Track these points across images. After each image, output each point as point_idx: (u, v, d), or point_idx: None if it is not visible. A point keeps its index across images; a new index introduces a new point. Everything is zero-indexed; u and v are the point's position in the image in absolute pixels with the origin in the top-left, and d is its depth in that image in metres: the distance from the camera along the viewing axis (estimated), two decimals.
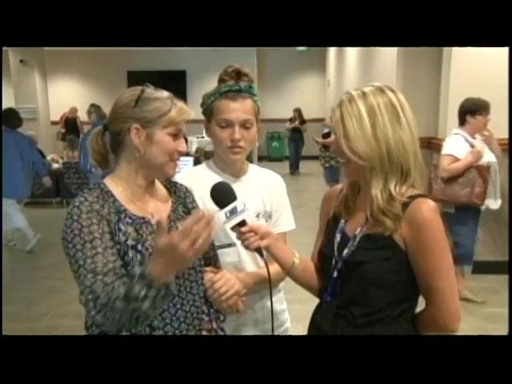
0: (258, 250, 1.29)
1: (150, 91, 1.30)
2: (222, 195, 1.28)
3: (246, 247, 1.29)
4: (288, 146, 11.64)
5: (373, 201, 1.22)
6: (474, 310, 3.76)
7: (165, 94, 1.31)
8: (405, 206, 1.19)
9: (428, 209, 1.18)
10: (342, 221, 1.34)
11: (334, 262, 1.31)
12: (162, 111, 1.26)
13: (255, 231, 1.27)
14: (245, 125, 1.49)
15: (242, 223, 1.26)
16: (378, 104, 1.19)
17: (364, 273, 1.23)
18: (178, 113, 1.28)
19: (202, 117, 1.60)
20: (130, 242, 1.23)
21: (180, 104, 1.30)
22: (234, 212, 1.25)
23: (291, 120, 11.32)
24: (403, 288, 1.24)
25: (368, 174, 1.23)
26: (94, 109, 6.33)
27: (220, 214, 1.26)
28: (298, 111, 11.27)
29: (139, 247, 1.23)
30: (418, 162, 1.24)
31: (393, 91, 1.23)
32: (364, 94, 1.21)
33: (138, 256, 1.23)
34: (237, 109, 1.48)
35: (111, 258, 1.18)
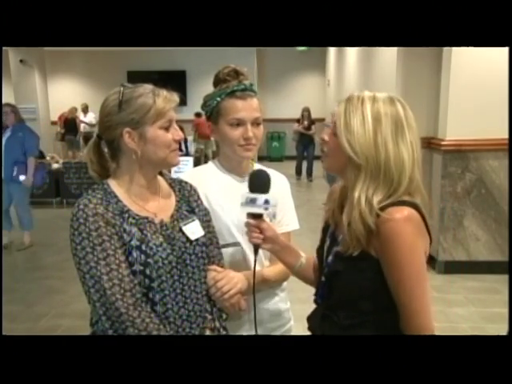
0: (255, 247, 1.34)
1: (130, 90, 1.27)
2: (256, 182, 1.33)
3: (248, 239, 1.34)
4: (296, 149, 10.20)
5: (354, 203, 1.16)
6: (474, 310, 3.77)
7: (146, 88, 1.28)
8: (377, 215, 1.14)
9: (395, 220, 1.11)
10: (331, 225, 1.34)
11: (323, 266, 1.32)
12: (147, 107, 1.25)
13: (260, 230, 1.31)
14: (255, 122, 1.51)
15: (256, 216, 1.30)
16: (385, 112, 1.16)
17: (342, 282, 1.22)
18: (163, 102, 1.26)
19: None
20: (135, 243, 1.24)
21: (163, 93, 1.28)
22: (253, 202, 1.29)
23: (299, 121, 9.93)
24: (382, 296, 1.18)
25: (351, 173, 1.18)
26: (11, 109, 5.43)
27: (243, 196, 1.31)
28: (307, 111, 9.89)
29: (143, 247, 1.24)
30: (413, 188, 1.18)
31: (403, 106, 1.19)
32: (374, 98, 1.18)
33: (142, 256, 1.23)
34: (247, 107, 1.49)
35: (122, 258, 1.21)
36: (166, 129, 1.28)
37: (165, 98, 1.27)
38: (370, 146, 1.15)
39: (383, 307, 1.20)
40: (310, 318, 1.39)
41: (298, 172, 10.15)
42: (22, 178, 5.35)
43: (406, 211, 1.13)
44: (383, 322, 1.21)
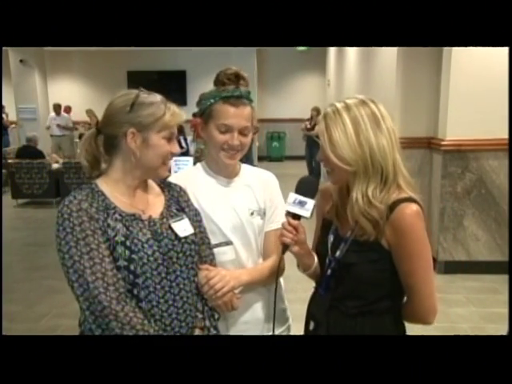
0: (285, 247, 1.35)
1: (144, 96, 1.32)
2: (307, 186, 1.35)
3: (280, 236, 1.34)
4: (305, 151, 9.52)
5: (353, 202, 1.29)
6: (474, 310, 3.77)
7: (158, 97, 1.34)
8: (390, 210, 1.26)
9: (411, 215, 1.26)
10: (334, 223, 1.41)
11: (327, 260, 1.39)
12: (157, 116, 1.30)
13: (297, 232, 1.33)
14: (243, 132, 1.52)
15: (297, 217, 1.32)
16: (360, 114, 1.27)
17: (354, 273, 1.32)
18: (171, 117, 1.32)
19: None
20: (119, 238, 1.26)
21: (173, 108, 1.33)
22: (302, 204, 1.32)
23: (308, 120, 9.34)
24: (390, 284, 1.33)
25: (351, 178, 1.30)
26: None
27: (291, 195, 1.33)
28: (315, 110, 9.28)
29: (128, 243, 1.26)
30: (398, 169, 1.30)
31: (374, 103, 1.31)
32: (347, 106, 1.28)
33: (127, 252, 1.25)
34: (237, 115, 1.49)
35: (106, 253, 1.23)
36: (168, 141, 1.33)
37: (173, 113, 1.33)
38: (355, 149, 1.26)
39: (387, 295, 1.34)
40: (312, 308, 1.46)
41: (310, 174, 8.80)
42: None
43: (415, 207, 1.27)
44: (386, 309, 1.35)
